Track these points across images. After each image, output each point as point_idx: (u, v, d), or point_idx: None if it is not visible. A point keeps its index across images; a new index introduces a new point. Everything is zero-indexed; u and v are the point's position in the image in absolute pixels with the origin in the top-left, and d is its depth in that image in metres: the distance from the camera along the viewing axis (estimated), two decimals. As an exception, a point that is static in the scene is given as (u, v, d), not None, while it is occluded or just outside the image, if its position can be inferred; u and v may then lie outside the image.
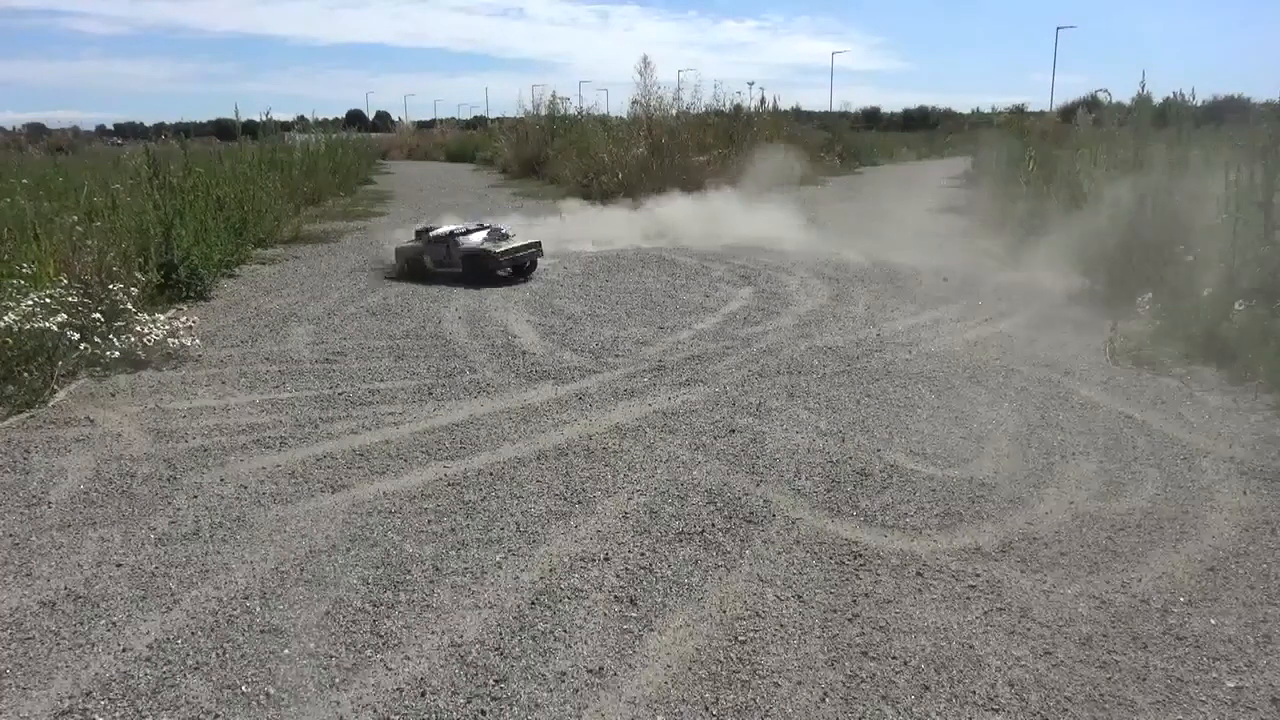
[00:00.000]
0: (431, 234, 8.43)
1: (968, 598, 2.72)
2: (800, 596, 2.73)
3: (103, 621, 2.60)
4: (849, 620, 2.60)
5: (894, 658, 2.43)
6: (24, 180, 8.72)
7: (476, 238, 8.27)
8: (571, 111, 21.54)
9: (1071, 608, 2.66)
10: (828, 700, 2.26)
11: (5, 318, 4.67)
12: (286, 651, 2.45)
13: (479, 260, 8.09)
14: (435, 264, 8.30)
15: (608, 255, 9.69)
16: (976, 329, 6.20)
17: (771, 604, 2.69)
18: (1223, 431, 4.12)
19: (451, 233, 8.35)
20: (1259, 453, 3.86)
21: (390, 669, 2.38)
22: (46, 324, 4.79)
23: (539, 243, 8.57)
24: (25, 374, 4.63)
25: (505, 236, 8.42)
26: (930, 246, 9.72)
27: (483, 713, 2.21)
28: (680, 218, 11.53)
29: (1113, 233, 7.03)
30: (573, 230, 10.80)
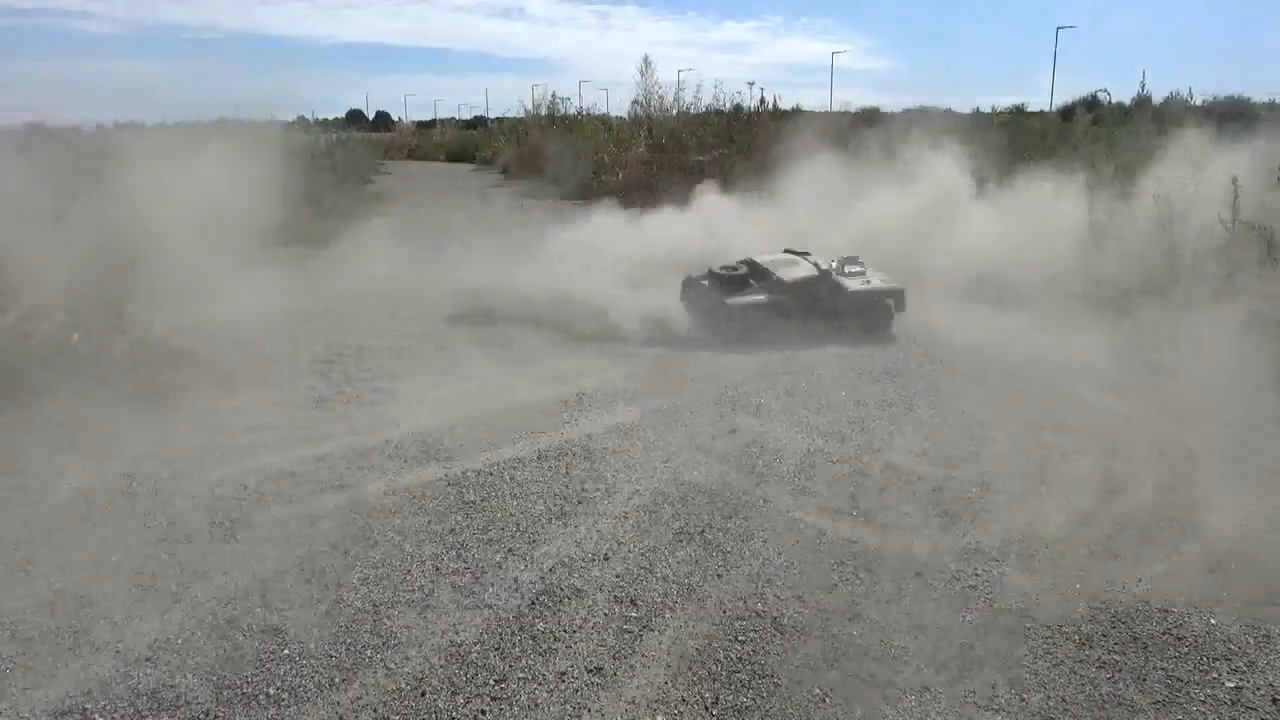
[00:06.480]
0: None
1: (968, 598, 2.72)
2: (800, 597, 2.73)
3: (103, 621, 2.60)
4: (849, 620, 2.60)
5: (894, 657, 2.43)
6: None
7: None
8: (572, 111, 21.54)
9: (1071, 608, 2.66)
10: (828, 700, 2.26)
11: (7, 317, 4.67)
12: (286, 652, 2.45)
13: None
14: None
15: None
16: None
17: (772, 604, 2.69)
18: (1223, 430, 4.11)
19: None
20: (1259, 452, 3.85)
21: (390, 669, 2.38)
22: (45, 324, 4.79)
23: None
24: (26, 372, 4.62)
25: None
26: None
27: (482, 713, 2.22)
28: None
29: (1106, 231, 7.02)
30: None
